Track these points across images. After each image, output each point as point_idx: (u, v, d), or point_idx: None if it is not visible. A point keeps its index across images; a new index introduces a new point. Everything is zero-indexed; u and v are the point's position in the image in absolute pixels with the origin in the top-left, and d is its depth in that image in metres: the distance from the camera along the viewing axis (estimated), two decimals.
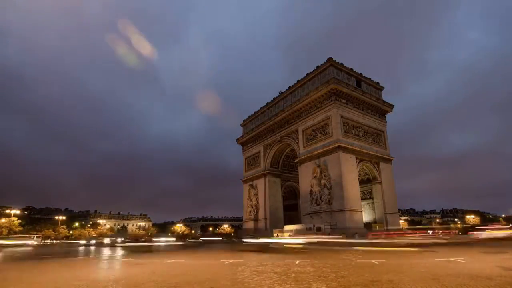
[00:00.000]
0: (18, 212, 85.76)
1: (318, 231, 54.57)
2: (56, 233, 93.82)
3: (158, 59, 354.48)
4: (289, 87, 75.85)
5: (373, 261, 13.29)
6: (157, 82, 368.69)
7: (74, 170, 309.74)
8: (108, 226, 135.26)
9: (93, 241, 67.70)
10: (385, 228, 60.02)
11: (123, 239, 61.05)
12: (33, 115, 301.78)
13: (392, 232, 50.76)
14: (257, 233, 76.46)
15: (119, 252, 28.84)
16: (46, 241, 79.74)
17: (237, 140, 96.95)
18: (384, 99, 71.62)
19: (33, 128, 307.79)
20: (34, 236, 61.19)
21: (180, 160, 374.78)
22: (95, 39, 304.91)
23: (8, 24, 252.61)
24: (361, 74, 69.20)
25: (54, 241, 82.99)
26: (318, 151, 61.98)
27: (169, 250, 31.58)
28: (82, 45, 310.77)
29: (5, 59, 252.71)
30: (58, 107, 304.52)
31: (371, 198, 64.93)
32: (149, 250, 31.73)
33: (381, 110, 70.44)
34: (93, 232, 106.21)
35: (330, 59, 64.76)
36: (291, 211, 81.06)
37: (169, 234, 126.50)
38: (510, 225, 62.60)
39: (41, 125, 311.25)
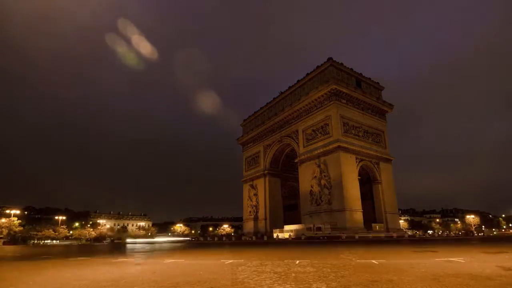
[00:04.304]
0: (18, 212, 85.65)
1: (318, 231, 54.59)
2: (56, 233, 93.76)
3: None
4: (289, 87, 75.85)
5: (373, 261, 13.28)
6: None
7: (74, 170, 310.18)
8: (108, 226, 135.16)
9: None
10: (387, 227, 59.92)
11: None
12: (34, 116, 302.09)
13: None
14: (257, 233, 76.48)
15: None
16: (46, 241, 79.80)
17: (238, 140, 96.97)
18: (383, 99, 71.71)
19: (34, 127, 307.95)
20: None
21: (180, 159, 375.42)
22: None
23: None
24: (361, 74, 69.22)
25: (54, 241, 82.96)
26: (318, 151, 61.98)
27: (169, 250, 31.59)
28: None
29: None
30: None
31: (371, 198, 64.88)
32: None
33: (381, 110, 70.46)
34: (93, 232, 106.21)
35: (330, 59, 64.73)
36: (291, 211, 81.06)
37: (169, 234, 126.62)
38: None
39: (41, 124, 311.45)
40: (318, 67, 67.15)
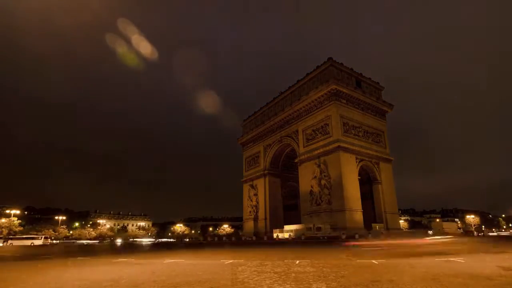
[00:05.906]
0: (18, 212, 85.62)
1: (318, 231, 54.58)
2: (56, 233, 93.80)
3: None
4: (289, 87, 75.76)
5: (373, 261, 13.29)
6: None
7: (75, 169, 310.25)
8: (108, 226, 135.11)
9: None
10: (386, 227, 59.81)
11: None
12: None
13: None
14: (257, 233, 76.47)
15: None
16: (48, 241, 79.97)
17: (238, 140, 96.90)
18: (384, 99, 71.64)
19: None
20: (42, 237, 66.33)
21: (180, 159, 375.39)
22: None
23: None
24: (361, 74, 69.14)
25: (54, 241, 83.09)
26: (318, 151, 61.92)
27: (169, 250, 31.61)
28: None
29: None
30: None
31: (371, 198, 64.79)
32: None
33: (381, 110, 70.41)
34: (93, 232, 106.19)
35: (330, 59, 64.67)
36: (291, 211, 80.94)
37: (169, 234, 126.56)
38: None
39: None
40: (318, 67, 67.04)
